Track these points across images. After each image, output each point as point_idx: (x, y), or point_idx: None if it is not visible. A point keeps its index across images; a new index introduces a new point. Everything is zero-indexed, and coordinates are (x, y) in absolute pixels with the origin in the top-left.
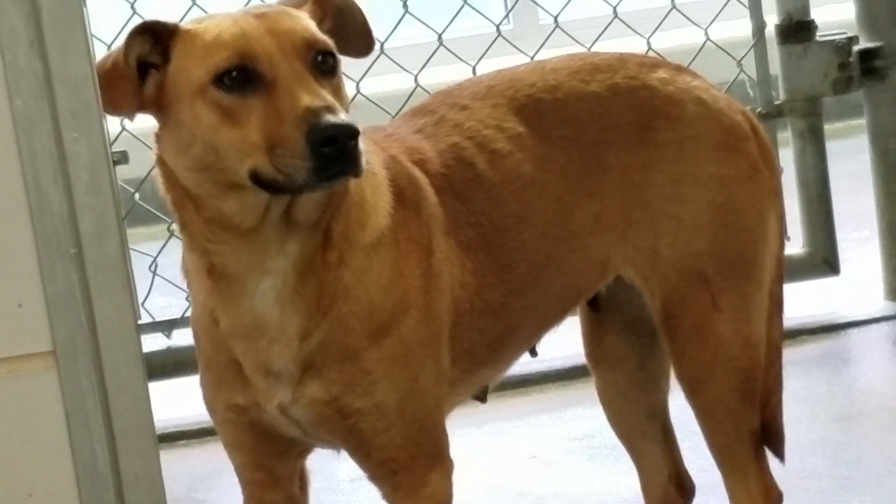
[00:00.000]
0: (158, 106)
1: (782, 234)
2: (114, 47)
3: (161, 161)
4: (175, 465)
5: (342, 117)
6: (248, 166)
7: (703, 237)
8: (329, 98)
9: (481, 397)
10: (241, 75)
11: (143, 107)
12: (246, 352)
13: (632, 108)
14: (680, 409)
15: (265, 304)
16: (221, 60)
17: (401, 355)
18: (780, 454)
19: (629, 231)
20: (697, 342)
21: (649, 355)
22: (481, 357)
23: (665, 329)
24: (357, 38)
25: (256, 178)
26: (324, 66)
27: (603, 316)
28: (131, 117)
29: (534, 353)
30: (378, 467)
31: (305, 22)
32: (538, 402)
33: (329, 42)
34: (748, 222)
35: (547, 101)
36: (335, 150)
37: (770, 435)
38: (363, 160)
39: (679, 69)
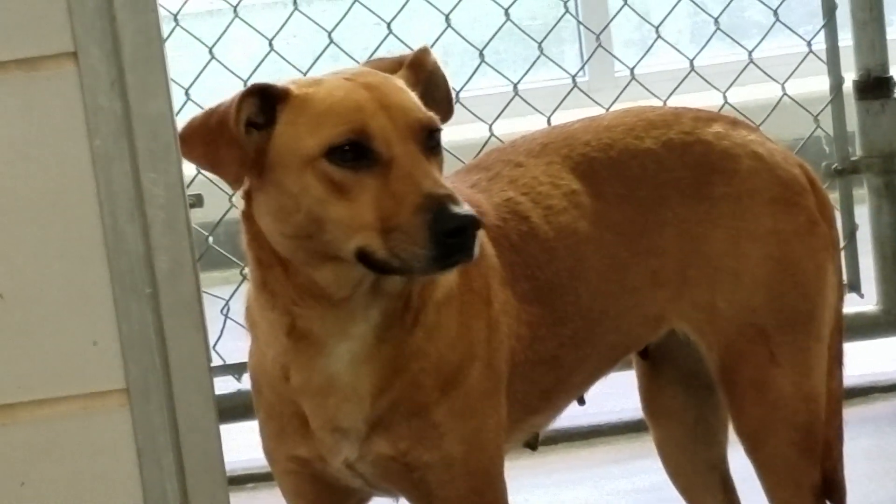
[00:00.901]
0: (257, 167)
1: (841, 286)
2: (213, 102)
3: (248, 219)
4: None
5: (466, 208)
6: (357, 244)
7: (760, 292)
8: (447, 184)
9: (532, 444)
10: (354, 151)
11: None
12: (315, 408)
13: (687, 163)
14: (743, 462)
15: (341, 364)
16: (336, 135)
17: (466, 407)
18: None
19: (685, 287)
20: (756, 397)
21: (707, 407)
22: (533, 406)
23: (723, 384)
24: (440, 104)
25: (364, 257)
26: (431, 143)
27: (659, 369)
28: (234, 184)
29: (582, 401)
30: None
31: (414, 97)
32: (606, 453)
33: (436, 119)
34: (806, 276)
35: (601, 160)
36: (458, 240)
37: (832, 489)
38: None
39: (735, 123)
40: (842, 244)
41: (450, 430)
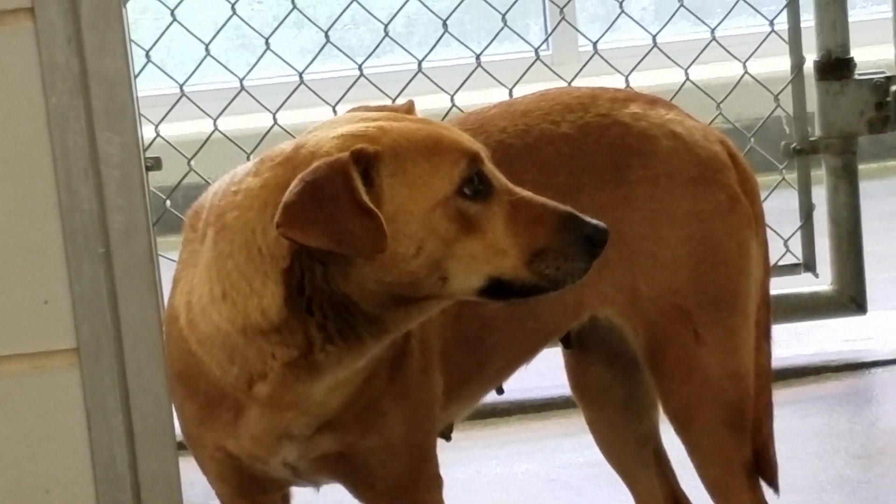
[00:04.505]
0: None
1: (767, 261)
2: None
3: (307, 260)
4: (195, 472)
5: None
6: (490, 274)
7: (681, 273)
8: None
9: (446, 435)
10: (479, 182)
11: None
12: (268, 417)
13: (604, 147)
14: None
15: (322, 388)
16: (464, 169)
17: (406, 387)
18: (773, 484)
19: (605, 271)
20: (683, 377)
21: (634, 385)
22: (453, 392)
23: (649, 366)
24: None
25: (495, 286)
26: None
27: (585, 349)
28: (377, 254)
29: (500, 391)
30: (380, 496)
31: None
32: (559, 426)
33: None
34: (728, 255)
35: (518, 146)
36: (599, 247)
37: (763, 465)
38: None
39: (653, 102)
40: (798, 224)
41: (392, 412)
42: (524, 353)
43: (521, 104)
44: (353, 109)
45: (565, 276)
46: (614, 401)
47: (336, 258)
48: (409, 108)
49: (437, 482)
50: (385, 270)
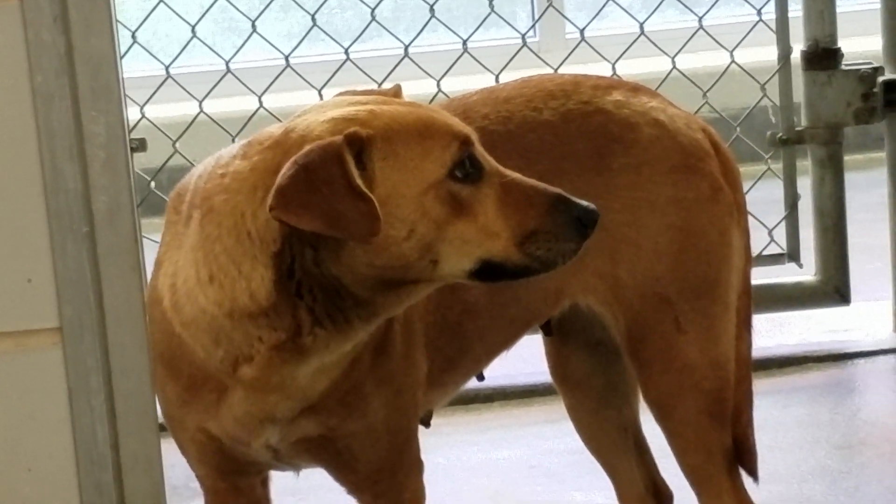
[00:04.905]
0: None
1: (748, 249)
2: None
3: (297, 243)
4: (176, 454)
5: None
6: (481, 257)
7: (662, 261)
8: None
9: (426, 422)
10: (470, 165)
11: None
12: (251, 400)
13: (585, 134)
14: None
15: (307, 371)
16: (455, 152)
17: (388, 371)
18: (753, 472)
19: (586, 259)
20: (663, 365)
21: (614, 372)
22: (434, 377)
23: (630, 354)
24: None
25: (486, 269)
26: None
27: (565, 337)
28: (371, 237)
29: (481, 377)
30: (362, 480)
31: None
32: (541, 413)
33: None
34: (709, 243)
35: (500, 133)
36: (589, 227)
37: (743, 453)
38: None
39: (636, 89)
40: (783, 214)
41: (374, 396)
42: (505, 339)
43: (503, 91)
44: (340, 94)
45: (556, 256)
46: (594, 388)
47: (327, 241)
48: (397, 93)
49: (418, 466)
50: (376, 254)
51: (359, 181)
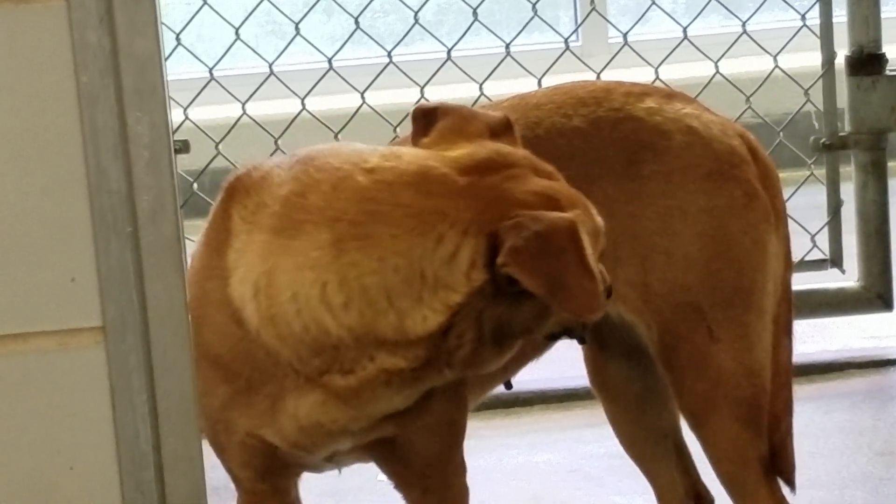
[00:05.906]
0: None
1: (788, 256)
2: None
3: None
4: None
5: None
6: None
7: (694, 270)
8: None
9: (508, 384)
10: None
11: None
12: (322, 409)
13: (616, 141)
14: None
15: (404, 396)
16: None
17: None
18: (790, 482)
19: (617, 267)
20: (696, 374)
21: (653, 378)
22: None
23: (663, 362)
24: None
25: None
26: None
27: (602, 343)
28: (592, 319)
29: (508, 385)
30: (414, 475)
31: None
32: (581, 417)
33: None
34: (742, 251)
35: (528, 139)
36: None
37: (780, 461)
38: None
39: (670, 96)
40: (826, 219)
41: (441, 392)
42: (533, 348)
43: (534, 97)
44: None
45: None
46: (633, 395)
47: (522, 303)
48: (508, 124)
49: (463, 466)
50: (557, 319)
51: (591, 260)
